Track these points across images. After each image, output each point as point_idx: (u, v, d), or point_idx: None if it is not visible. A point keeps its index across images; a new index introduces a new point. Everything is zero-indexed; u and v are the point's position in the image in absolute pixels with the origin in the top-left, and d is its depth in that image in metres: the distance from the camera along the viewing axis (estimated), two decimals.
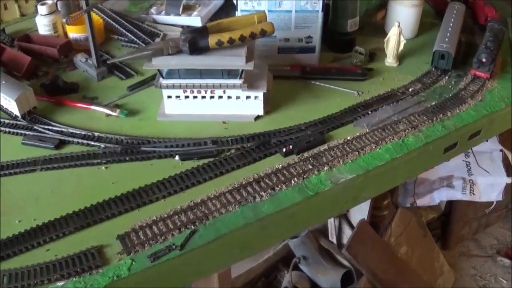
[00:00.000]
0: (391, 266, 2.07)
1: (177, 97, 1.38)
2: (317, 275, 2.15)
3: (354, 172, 1.25)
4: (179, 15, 1.74)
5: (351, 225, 2.15)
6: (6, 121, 1.44)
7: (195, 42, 1.30)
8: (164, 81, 1.35)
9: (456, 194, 2.20)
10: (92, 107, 1.46)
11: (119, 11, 1.80)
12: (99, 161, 1.30)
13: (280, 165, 1.25)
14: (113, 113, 1.43)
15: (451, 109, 1.42)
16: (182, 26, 1.72)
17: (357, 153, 1.28)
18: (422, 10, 1.76)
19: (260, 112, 1.40)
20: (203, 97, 1.38)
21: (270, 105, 1.43)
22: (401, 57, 1.63)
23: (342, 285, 2.08)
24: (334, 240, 2.23)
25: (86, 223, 1.14)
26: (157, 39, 1.40)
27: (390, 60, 1.60)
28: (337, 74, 1.53)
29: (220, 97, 1.37)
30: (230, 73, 1.33)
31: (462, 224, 2.55)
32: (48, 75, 1.60)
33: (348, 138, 1.32)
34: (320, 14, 1.49)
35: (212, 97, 1.38)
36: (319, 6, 1.48)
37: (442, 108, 1.43)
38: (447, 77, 1.56)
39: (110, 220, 1.15)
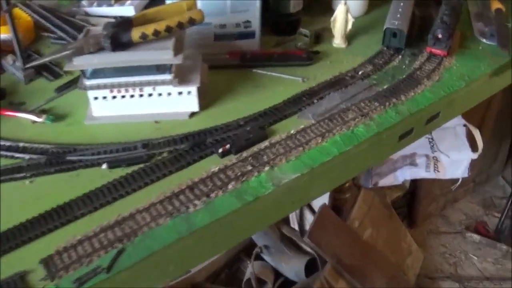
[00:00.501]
0: (356, 250, 1.89)
1: (104, 98, 1.18)
2: (281, 264, 1.97)
3: (298, 170, 1.06)
4: (111, 5, 1.52)
5: (312, 211, 1.95)
6: None
7: (117, 37, 1.10)
8: (88, 82, 1.15)
9: (420, 172, 2.02)
10: (17, 114, 1.26)
11: (49, 6, 1.56)
12: (23, 174, 1.11)
13: (217, 168, 1.06)
14: (39, 120, 1.23)
15: (405, 92, 1.23)
16: (116, 17, 1.50)
17: (301, 148, 1.09)
18: None
19: (195, 108, 1.20)
20: (132, 96, 1.17)
21: (207, 99, 1.23)
22: (350, 37, 1.43)
23: (307, 273, 1.90)
24: (296, 227, 2.04)
25: (8, 247, 0.95)
26: (80, 36, 1.20)
27: (338, 41, 1.40)
28: (280, 60, 1.33)
29: (150, 94, 1.17)
30: (159, 68, 1.13)
31: (429, 201, 2.39)
32: None
33: (292, 131, 1.13)
34: None
35: (141, 95, 1.17)
36: None
37: (396, 91, 1.23)
38: (400, 57, 1.36)
39: (34, 242, 0.96)
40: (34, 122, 1.24)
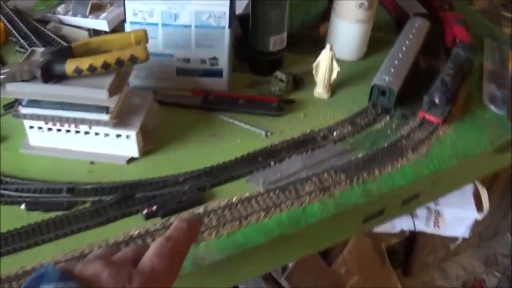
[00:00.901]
0: None
1: (40, 128, 1.01)
2: None
3: (226, 251, 0.86)
4: (86, 17, 1.33)
5: None
6: None
7: (50, 68, 0.92)
8: (23, 110, 0.97)
9: (420, 224, 1.79)
10: None
11: (23, 10, 1.39)
12: None
13: (136, 232, 0.88)
14: None
15: (381, 165, 1.00)
16: (89, 30, 1.32)
17: (238, 222, 0.89)
18: (380, 21, 1.33)
19: (134, 153, 1.01)
20: (68, 131, 0.99)
21: (154, 142, 1.04)
22: (336, 86, 1.20)
23: None
24: None
25: None
26: (22, 58, 1.03)
27: (319, 90, 1.16)
28: (246, 106, 1.11)
29: (87, 132, 0.99)
30: (96, 107, 0.95)
31: (428, 251, 2.14)
32: None
33: (234, 199, 0.92)
34: (227, 32, 1.07)
35: (77, 132, 0.99)
36: (225, 22, 1.06)
37: (370, 163, 1.01)
38: (387, 118, 1.12)
39: None
40: None
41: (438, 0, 1.39)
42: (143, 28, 1.04)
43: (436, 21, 1.34)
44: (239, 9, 1.19)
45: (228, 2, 1.03)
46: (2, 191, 0.96)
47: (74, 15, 1.33)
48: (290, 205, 0.92)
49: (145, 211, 0.90)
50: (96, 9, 1.33)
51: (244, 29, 1.21)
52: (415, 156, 1.03)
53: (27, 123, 1.01)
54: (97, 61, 0.91)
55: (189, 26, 1.06)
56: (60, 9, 1.35)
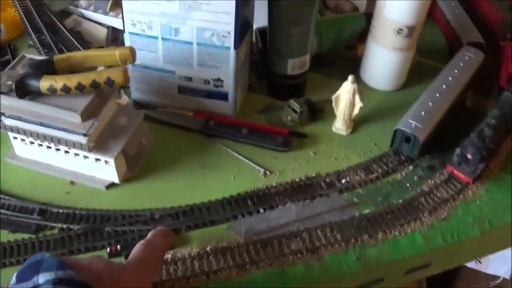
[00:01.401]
0: None
1: (23, 140, 0.95)
2: None
3: None
4: (106, 13, 1.25)
5: None
6: None
7: (24, 84, 0.85)
8: (6, 121, 0.92)
9: None
10: None
11: (43, 1, 1.31)
12: None
13: None
14: None
15: (388, 226, 0.87)
16: (108, 27, 1.24)
17: (204, 277, 0.80)
18: (432, 44, 1.19)
19: (114, 179, 0.93)
20: (48, 147, 0.93)
21: (139, 167, 0.96)
22: (360, 121, 1.06)
23: None
24: None
25: None
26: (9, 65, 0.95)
27: (338, 125, 1.03)
28: (249, 137, 1.00)
29: (67, 152, 0.92)
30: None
31: (466, 284, 1.93)
32: None
33: (208, 248, 0.83)
34: (233, 53, 0.95)
35: (57, 149, 0.93)
36: (230, 42, 0.94)
37: (376, 222, 0.88)
38: (410, 168, 0.98)
39: None
40: None
41: (500, 26, 1.20)
42: (142, 40, 0.98)
43: (495, 51, 1.16)
44: (262, 21, 1.06)
45: (233, 21, 0.92)
46: None
47: (96, 10, 1.26)
48: (269, 264, 0.82)
49: (108, 249, 0.84)
50: (118, 7, 1.24)
51: (264, 44, 1.09)
52: (432, 219, 0.89)
53: (10, 133, 0.95)
54: (71, 81, 0.83)
55: (190, 43, 0.96)
56: (82, 2, 1.28)
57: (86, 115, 0.85)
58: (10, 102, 0.87)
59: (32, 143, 0.94)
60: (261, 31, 1.10)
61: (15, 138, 0.96)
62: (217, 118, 1.03)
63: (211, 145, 1.01)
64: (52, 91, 0.84)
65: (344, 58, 1.22)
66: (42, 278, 0.60)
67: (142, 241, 0.74)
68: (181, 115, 1.05)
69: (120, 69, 0.84)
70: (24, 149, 0.97)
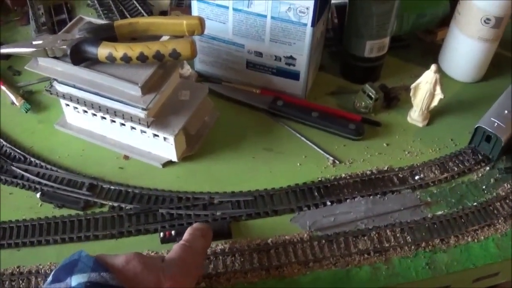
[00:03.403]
0: None
1: (75, 108, 0.94)
2: None
3: None
4: None
5: None
6: None
7: (80, 50, 0.82)
8: (59, 88, 0.90)
9: None
10: (2, 87, 1.06)
11: None
12: None
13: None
14: (16, 103, 1.03)
15: (461, 231, 0.83)
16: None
17: (264, 272, 0.78)
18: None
19: (172, 157, 0.91)
20: (103, 117, 0.91)
21: (200, 146, 0.94)
22: (437, 113, 1.01)
23: None
24: None
25: None
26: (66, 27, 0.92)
27: (414, 116, 0.99)
28: (320, 122, 0.96)
29: (122, 124, 0.90)
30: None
31: None
32: None
33: (269, 241, 0.81)
34: (310, 31, 0.91)
35: (113, 121, 0.91)
36: (307, 18, 0.90)
37: (449, 226, 0.84)
38: (487, 169, 0.93)
39: None
40: (13, 103, 1.04)
41: None
42: (212, 9, 0.95)
43: None
44: None
45: None
46: (24, 173, 0.92)
47: None
48: (333, 263, 0.79)
49: (162, 234, 0.82)
50: None
51: (342, 22, 1.04)
52: (507, 227, 0.85)
53: (63, 100, 0.93)
54: (133, 51, 0.80)
55: (264, 16, 0.92)
56: None
57: (147, 88, 0.82)
58: (64, 68, 0.85)
59: (85, 112, 0.93)
60: (339, 8, 1.05)
61: (67, 105, 0.95)
62: (286, 98, 0.99)
63: (277, 127, 0.98)
64: (111, 59, 0.81)
65: (422, 42, 1.17)
66: (75, 280, 0.59)
67: (181, 242, 0.72)
68: (247, 92, 1.02)
69: (187, 41, 0.80)
70: (75, 117, 0.96)
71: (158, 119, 0.86)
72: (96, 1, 1.17)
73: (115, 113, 0.86)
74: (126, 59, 0.80)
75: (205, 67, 1.04)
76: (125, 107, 0.85)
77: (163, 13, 1.17)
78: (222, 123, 0.98)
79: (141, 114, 0.84)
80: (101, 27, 0.87)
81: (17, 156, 0.95)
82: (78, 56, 0.83)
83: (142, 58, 0.80)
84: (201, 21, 0.84)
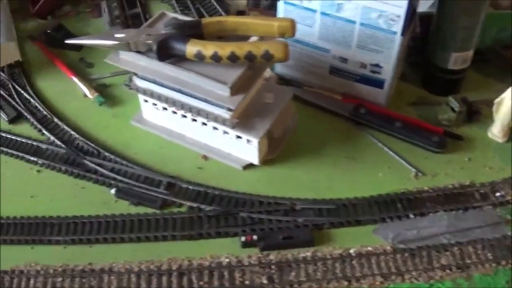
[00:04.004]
0: None
1: (154, 105, 0.96)
2: None
3: None
4: None
5: None
6: None
7: (168, 46, 0.84)
8: (139, 83, 0.92)
9: None
10: (74, 78, 1.10)
11: None
12: (35, 159, 0.97)
13: (227, 260, 0.81)
14: (90, 96, 1.06)
15: None
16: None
17: (346, 283, 0.79)
18: None
19: (254, 160, 0.93)
20: (184, 116, 0.94)
21: (280, 150, 0.95)
22: None
23: None
24: None
25: None
26: (147, 22, 0.94)
27: (495, 131, 0.99)
28: (403, 132, 0.97)
29: (204, 124, 0.92)
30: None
31: None
32: (65, 18, 1.23)
33: (351, 251, 0.82)
34: (399, 39, 0.92)
35: (194, 120, 0.93)
36: (397, 27, 0.91)
37: None
38: None
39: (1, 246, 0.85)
40: (85, 96, 1.07)
41: None
42: (298, 11, 0.96)
43: None
44: (424, 6, 1.02)
45: (405, 4, 0.89)
46: (98, 168, 0.94)
47: None
48: (415, 277, 0.80)
49: (243, 238, 0.83)
50: None
51: (424, 31, 1.05)
52: None
53: (141, 96, 0.96)
54: (224, 50, 0.82)
55: (353, 22, 0.94)
56: None
57: (236, 89, 0.84)
58: (147, 63, 0.87)
59: (164, 109, 0.95)
60: (423, 17, 1.06)
61: (146, 101, 0.97)
62: (369, 106, 1.01)
63: (359, 135, 1.00)
64: (200, 57, 0.83)
65: (502, 58, 1.16)
66: None
67: None
68: (328, 97, 1.04)
69: (281, 44, 0.82)
70: (153, 114, 0.98)
71: (242, 121, 0.88)
72: None
73: (198, 112, 0.89)
74: (216, 58, 0.82)
75: (286, 70, 1.06)
76: (209, 106, 0.87)
77: (240, 13, 1.19)
78: (301, 127, 0.99)
79: (226, 114, 0.86)
80: (188, 23, 0.89)
81: (90, 150, 0.97)
82: (164, 52, 0.85)
83: (233, 58, 0.82)
84: (293, 24, 0.85)
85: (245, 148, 0.91)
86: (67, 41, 0.95)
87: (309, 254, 0.82)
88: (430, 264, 0.82)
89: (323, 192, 0.89)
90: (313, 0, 0.95)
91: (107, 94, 1.06)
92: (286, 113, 0.94)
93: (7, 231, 0.87)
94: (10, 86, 1.10)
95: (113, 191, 0.90)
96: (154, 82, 0.90)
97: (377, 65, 0.98)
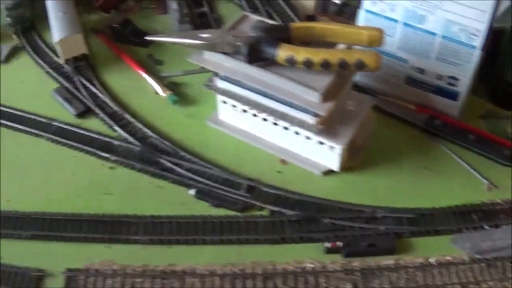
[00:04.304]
0: None
1: (234, 106, 0.99)
2: None
3: None
4: None
5: None
6: (57, 59, 1.17)
7: (258, 49, 0.88)
8: (220, 84, 0.95)
9: None
10: (145, 75, 1.12)
11: None
12: (107, 156, 0.99)
13: (311, 265, 0.84)
14: (162, 94, 1.08)
15: None
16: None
17: None
18: None
19: (334, 167, 0.96)
20: (264, 119, 0.97)
21: (357, 157, 0.98)
22: None
23: None
24: None
25: (45, 234, 0.87)
26: (229, 23, 0.97)
27: None
28: (476, 144, 1.00)
29: (286, 128, 0.95)
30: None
31: None
32: (129, 13, 1.26)
33: (431, 260, 0.85)
34: (477, 53, 0.96)
35: (275, 124, 0.96)
36: (478, 42, 0.95)
37: None
38: None
39: (72, 243, 0.87)
40: (156, 93, 1.09)
41: None
42: (379, 20, 0.99)
43: None
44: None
45: (487, 20, 0.92)
46: (175, 167, 0.96)
47: None
48: (492, 286, 0.83)
49: (328, 244, 0.86)
50: None
51: (493, 45, 1.08)
52: None
53: (220, 97, 0.99)
54: (317, 56, 0.85)
55: (434, 34, 0.97)
56: None
57: (326, 95, 0.86)
58: (233, 65, 0.90)
59: (244, 111, 0.98)
60: (494, 32, 1.09)
61: (224, 102, 0.99)
62: (443, 118, 1.04)
63: (433, 146, 1.02)
64: (291, 62, 0.86)
65: None
66: None
67: None
68: (403, 107, 1.06)
69: (374, 54, 0.86)
70: (231, 115, 1.01)
71: (326, 127, 0.91)
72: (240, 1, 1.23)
73: (282, 116, 0.92)
74: (308, 64, 0.86)
75: (361, 78, 1.09)
76: (294, 111, 0.90)
77: (310, 17, 1.22)
78: (376, 135, 1.02)
79: (311, 120, 0.90)
80: (276, 27, 0.93)
81: (165, 149, 1.00)
82: (254, 55, 0.88)
83: (326, 65, 0.85)
84: (382, 34, 0.89)
85: (326, 154, 0.94)
86: (148, 38, 0.99)
87: (391, 262, 0.85)
88: (505, 274, 0.85)
89: (401, 201, 0.93)
90: (395, 11, 0.97)
91: (178, 93, 1.08)
92: (367, 121, 0.97)
93: (79, 228, 0.88)
94: (76, 79, 1.12)
95: (192, 191, 0.93)
96: (237, 84, 0.93)
97: (453, 78, 1.01)
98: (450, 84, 1.02)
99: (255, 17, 0.96)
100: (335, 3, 1.23)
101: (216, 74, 0.94)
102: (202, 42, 0.90)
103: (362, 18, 1.02)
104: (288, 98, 0.87)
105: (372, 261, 0.85)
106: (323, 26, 0.91)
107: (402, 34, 0.99)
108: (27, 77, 1.16)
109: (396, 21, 0.98)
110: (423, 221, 0.91)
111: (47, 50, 1.21)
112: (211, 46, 0.89)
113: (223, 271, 0.83)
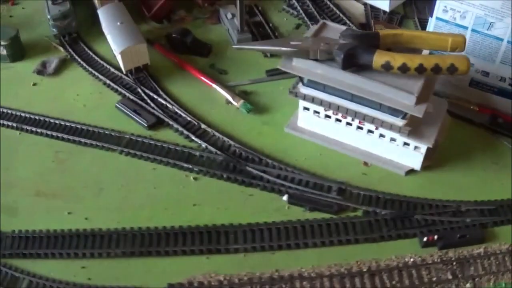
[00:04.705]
0: None
1: (316, 112, 1.05)
2: None
3: None
4: None
5: None
6: (113, 70, 1.20)
7: (354, 56, 0.95)
8: (304, 90, 1.02)
9: None
10: (214, 85, 1.16)
11: None
12: (190, 166, 1.03)
13: (411, 259, 0.91)
14: (234, 103, 1.13)
15: None
16: (365, 4, 1.33)
17: None
18: None
19: (416, 166, 1.04)
20: (349, 124, 1.04)
21: (434, 157, 1.06)
22: None
23: None
24: None
25: (139, 251, 0.90)
26: (309, 31, 1.04)
27: None
28: None
29: (370, 131, 1.03)
30: (392, 109, 0.97)
31: None
32: (181, 23, 1.31)
33: None
34: None
35: (360, 128, 1.04)
36: None
37: None
38: None
39: (169, 257, 0.89)
40: (228, 103, 1.14)
41: None
42: (449, 27, 1.08)
43: None
44: None
45: None
46: (263, 174, 1.02)
47: None
48: None
49: (425, 238, 0.94)
50: None
51: None
52: None
53: (302, 103, 1.05)
54: (413, 61, 0.93)
55: (501, 40, 1.07)
56: None
57: (419, 98, 0.94)
58: (325, 71, 0.97)
59: (327, 116, 1.05)
60: None
61: (306, 109, 1.06)
62: (505, 117, 1.13)
63: (497, 143, 1.12)
64: (387, 68, 0.93)
65: None
66: None
67: None
68: (465, 107, 1.15)
69: (465, 58, 0.93)
70: (310, 121, 1.08)
71: (412, 129, 0.98)
72: (299, 8, 1.29)
73: (371, 120, 0.99)
74: (404, 69, 0.93)
75: None
76: (382, 114, 0.98)
77: (363, 25, 1.30)
78: (449, 138, 1.09)
79: (400, 122, 0.97)
80: (366, 35, 1.00)
81: (250, 157, 1.05)
82: (349, 61, 0.95)
83: (421, 70, 0.93)
84: (465, 40, 0.97)
85: (408, 154, 1.03)
86: (235, 46, 1.05)
87: (482, 250, 0.93)
88: None
89: (479, 194, 1.01)
90: (466, 18, 1.06)
91: (249, 101, 1.13)
92: (445, 122, 1.06)
93: (175, 242, 0.91)
94: (139, 90, 1.16)
95: (285, 197, 0.98)
96: (323, 90, 1.00)
97: None
98: (511, 85, 1.12)
99: (334, 25, 1.04)
100: (384, 11, 1.31)
101: (301, 80, 1.01)
102: (295, 49, 0.96)
103: (432, 26, 1.10)
104: (381, 101, 0.95)
105: (465, 251, 0.93)
106: (411, 34, 1.00)
107: (471, 39, 1.08)
108: (83, 90, 1.18)
109: (465, 27, 1.07)
110: (502, 211, 0.99)
111: (100, 61, 1.23)
112: (304, 52, 0.96)
113: (330, 272, 0.88)
